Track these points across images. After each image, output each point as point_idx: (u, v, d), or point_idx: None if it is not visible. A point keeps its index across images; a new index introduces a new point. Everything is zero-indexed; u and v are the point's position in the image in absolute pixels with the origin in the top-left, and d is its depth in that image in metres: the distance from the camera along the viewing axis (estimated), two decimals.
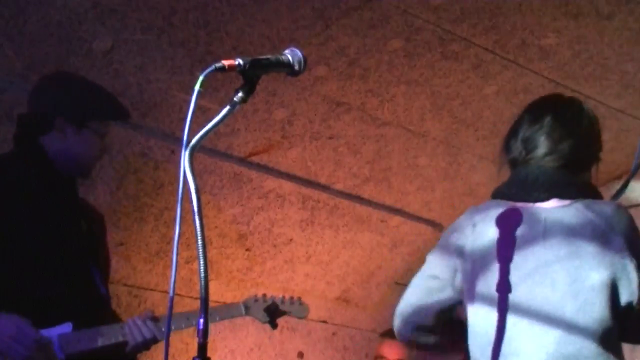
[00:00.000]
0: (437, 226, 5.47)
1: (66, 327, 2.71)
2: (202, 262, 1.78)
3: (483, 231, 2.40)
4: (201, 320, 1.78)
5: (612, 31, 4.18)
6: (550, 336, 2.21)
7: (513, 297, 2.27)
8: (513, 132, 2.60)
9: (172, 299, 1.89)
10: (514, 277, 2.29)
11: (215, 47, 3.93)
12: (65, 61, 3.76)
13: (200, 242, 1.81)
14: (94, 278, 2.90)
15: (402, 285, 5.93)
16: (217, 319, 3.11)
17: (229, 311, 3.18)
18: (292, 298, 3.31)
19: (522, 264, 2.29)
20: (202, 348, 1.79)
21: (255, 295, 3.23)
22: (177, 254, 1.84)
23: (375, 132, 4.73)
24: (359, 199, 5.14)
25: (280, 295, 3.31)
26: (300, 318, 3.32)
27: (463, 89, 4.56)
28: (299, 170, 4.81)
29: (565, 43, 4.27)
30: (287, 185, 4.84)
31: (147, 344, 2.82)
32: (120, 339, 2.78)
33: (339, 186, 5.01)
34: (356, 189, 5.08)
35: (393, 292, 5.83)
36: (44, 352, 2.63)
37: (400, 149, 4.90)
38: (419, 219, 5.42)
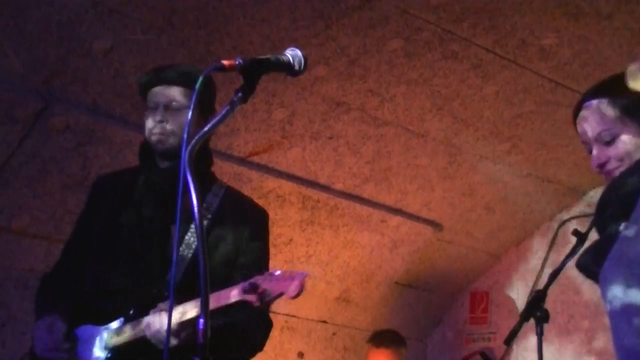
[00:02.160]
0: (437, 226, 5.46)
1: (117, 322, 2.70)
2: (202, 262, 1.78)
3: None
4: (201, 320, 1.78)
5: (612, 31, 4.17)
6: None
7: None
8: None
9: (172, 299, 1.89)
10: None
11: (215, 47, 3.93)
12: (65, 61, 3.76)
13: (200, 242, 1.81)
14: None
15: (402, 285, 5.93)
16: None
17: None
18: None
19: None
20: (202, 348, 1.79)
21: None
22: (177, 254, 1.84)
23: (375, 132, 4.73)
24: (359, 199, 5.13)
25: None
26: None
27: (463, 89, 4.56)
28: (299, 170, 4.81)
29: (565, 43, 4.27)
30: (287, 185, 4.83)
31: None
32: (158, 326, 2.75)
33: (339, 186, 5.01)
34: (356, 189, 5.07)
35: (393, 292, 5.83)
36: (66, 354, 2.67)
37: (400, 149, 4.90)
38: (419, 219, 5.41)
